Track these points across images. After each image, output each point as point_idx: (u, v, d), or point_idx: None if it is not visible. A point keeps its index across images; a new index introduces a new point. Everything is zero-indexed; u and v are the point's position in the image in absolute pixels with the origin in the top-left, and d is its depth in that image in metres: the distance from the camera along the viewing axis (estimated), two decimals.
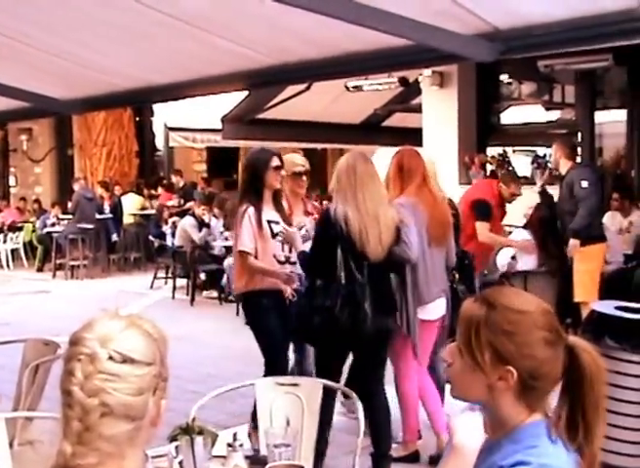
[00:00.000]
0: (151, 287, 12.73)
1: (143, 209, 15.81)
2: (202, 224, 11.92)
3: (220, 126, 14.35)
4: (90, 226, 14.23)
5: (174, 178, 16.19)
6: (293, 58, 4.06)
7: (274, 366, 4.91)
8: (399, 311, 4.78)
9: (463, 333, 1.78)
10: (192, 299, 11.41)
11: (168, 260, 12.54)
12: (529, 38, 3.23)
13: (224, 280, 11.41)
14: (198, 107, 14.69)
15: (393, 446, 5.08)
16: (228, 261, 11.23)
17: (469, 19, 3.16)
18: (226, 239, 11.64)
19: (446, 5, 3.07)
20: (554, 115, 12.16)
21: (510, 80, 11.97)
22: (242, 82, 4.85)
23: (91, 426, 1.42)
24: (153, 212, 15.18)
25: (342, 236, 4.31)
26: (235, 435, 2.57)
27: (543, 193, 8.30)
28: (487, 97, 11.45)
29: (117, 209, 15.30)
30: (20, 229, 16.46)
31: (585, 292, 7.12)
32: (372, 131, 15.45)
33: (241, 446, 2.56)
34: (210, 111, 14.51)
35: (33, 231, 16.26)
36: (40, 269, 15.30)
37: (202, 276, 12.16)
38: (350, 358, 4.68)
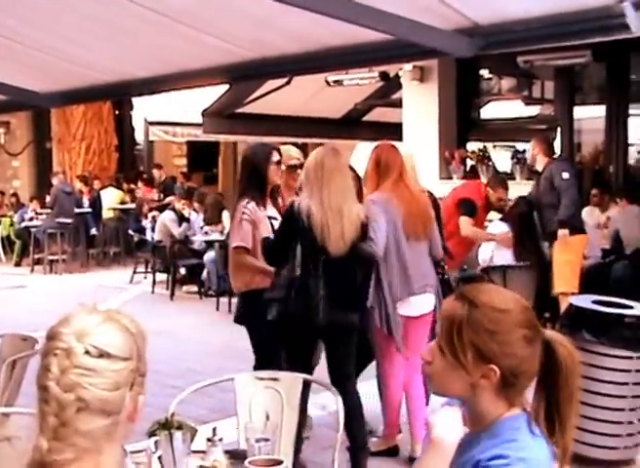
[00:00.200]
0: (131, 281, 12.67)
1: (123, 203, 15.73)
2: (182, 219, 11.88)
3: (200, 120, 14.30)
4: (68, 221, 14.13)
5: (155, 173, 16.11)
6: (273, 53, 4.05)
7: (267, 366, 4.87)
8: (378, 308, 4.77)
9: (445, 333, 1.78)
10: (172, 294, 11.38)
11: (147, 255, 12.49)
12: (508, 34, 3.24)
13: (204, 274, 11.40)
14: (178, 101, 14.62)
15: (373, 439, 5.11)
16: (208, 256, 11.22)
17: (449, 14, 3.17)
18: (206, 233, 11.62)
19: (426, 1, 3.08)
20: (534, 110, 12.23)
21: (490, 75, 12.04)
22: (223, 76, 4.84)
23: (67, 421, 1.41)
24: (133, 206, 15.11)
25: (304, 229, 4.30)
26: (215, 430, 2.56)
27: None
28: (467, 92, 11.49)
29: (96, 203, 15.21)
30: None
31: (566, 282, 7.18)
32: (352, 125, 15.46)
33: (220, 440, 2.56)
34: (190, 105, 14.45)
35: (11, 225, 16.11)
36: (18, 264, 15.18)
37: (182, 270, 12.12)
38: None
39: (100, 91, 5.27)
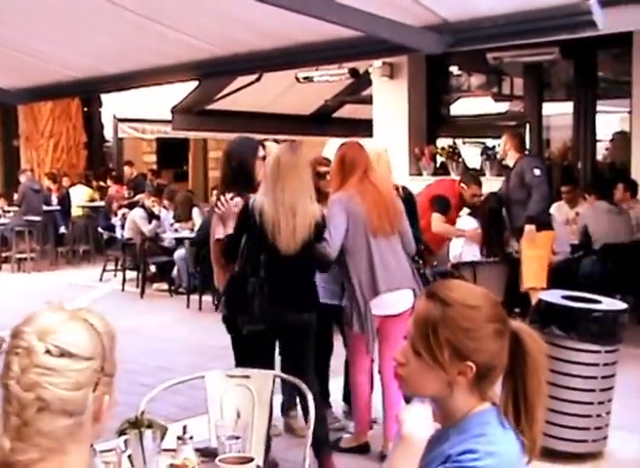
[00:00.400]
0: (100, 279, 12.59)
1: (92, 201, 15.61)
2: (152, 216, 11.81)
3: (169, 117, 14.24)
4: (37, 218, 14.00)
5: (126, 170, 16.01)
6: (243, 49, 4.03)
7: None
8: (350, 306, 4.73)
9: (421, 334, 1.79)
10: (142, 292, 11.31)
11: (117, 253, 12.41)
12: (477, 31, 3.25)
13: (175, 272, 11.35)
14: (147, 98, 14.55)
15: (345, 436, 5.12)
16: (179, 253, 11.17)
17: (419, 11, 3.17)
18: (176, 231, 11.57)
19: None
20: (503, 107, 12.31)
21: (460, 72, 12.11)
22: (192, 72, 4.80)
23: (28, 421, 1.39)
24: (102, 204, 15.00)
25: (256, 227, 4.30)
26: (185, 428, 2.55)
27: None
28: (437, 88, 11.54)
29: (65, 201, 15.08)
30: None
31: (535, 277, 7.25)
32: (322, 122, 15.47)
33: (191, 438, 2.55)
34: (159, 102, 14.39)
35: None
36: None
37: (152, 268, 12.06)
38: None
39: (68, 87, 5.21)
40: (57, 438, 1.42)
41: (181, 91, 13.42)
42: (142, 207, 11.96)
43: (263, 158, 4.78)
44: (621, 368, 4.88)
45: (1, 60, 4.73)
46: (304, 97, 14.09)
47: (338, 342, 5.35)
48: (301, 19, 3.02)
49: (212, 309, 9.60)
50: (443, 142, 11.41)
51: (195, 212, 11.71)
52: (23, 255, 13.97)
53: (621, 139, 10.69)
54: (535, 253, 7.29)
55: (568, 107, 10.65)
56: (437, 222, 7.41)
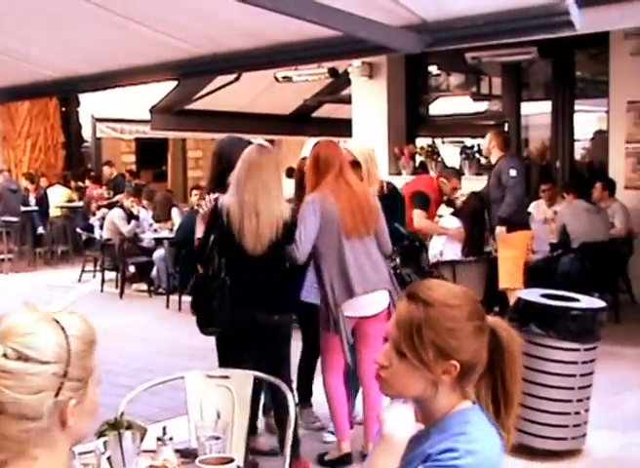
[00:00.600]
0: (79, 280, 12.51)
1: (70, 201, 15.52)
2: (131, 216, 11.76)
3: (148, 117, 14.18)
4: (14, 219, 13.92)
5: (105, 170, 15.93)
6: (222, 49, 4.02)
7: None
8: (324, 308, 4.62)
9: (405, 335, 1.78)
10: (121, 292, 11.26)
11: (96, 253, 12.34)
12: (455, 30, 3.26)
13: (154, 272, 11.31)
14: (126, 98, 14.49)
15: (324, 435, 5.10)
16: (158, 253, 11.13)
17: (397, 10, 3.18)
18: (155, 231, 11.53)
19: None
20: (482, 106, 12.36)
21: (439, 72, 12.15)
22: (171, 72, 4.78)
23: None
24: (80, 204, 14.92)
25: (223, 227, 4.29)
26: (165, 429, 2.54)
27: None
28: (416, 88, 11.57)
29: (43, 201, 14.97)
30: None
31: (511, 278, 7.27)
32: (302, 121, 15.45)
33: (171, 439, 2.54)
34: (138, 102, 14.33)
35: None
36: None
37: (131, 268, 12.01)
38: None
39: (45, 87, 5.17)
40: (19, 442, 1.40)
41: (160, 90, 13.38)
42: (121, 207, 11.91)
43: None
44: (600, 365, 4.91)
45: None
46: (283, 97, 14.07)
47: None
48: (280, 18, 3.02)
49: None
50: (422, 142, 11.44)
51: (174, 212, 11.67)
52: (1, 256, 13.88)
53: (601, 139, 10.77)
54: (509, 254, 7.31)
55: (546, 107, 10.72)
56: (419, 218, 7.43)
